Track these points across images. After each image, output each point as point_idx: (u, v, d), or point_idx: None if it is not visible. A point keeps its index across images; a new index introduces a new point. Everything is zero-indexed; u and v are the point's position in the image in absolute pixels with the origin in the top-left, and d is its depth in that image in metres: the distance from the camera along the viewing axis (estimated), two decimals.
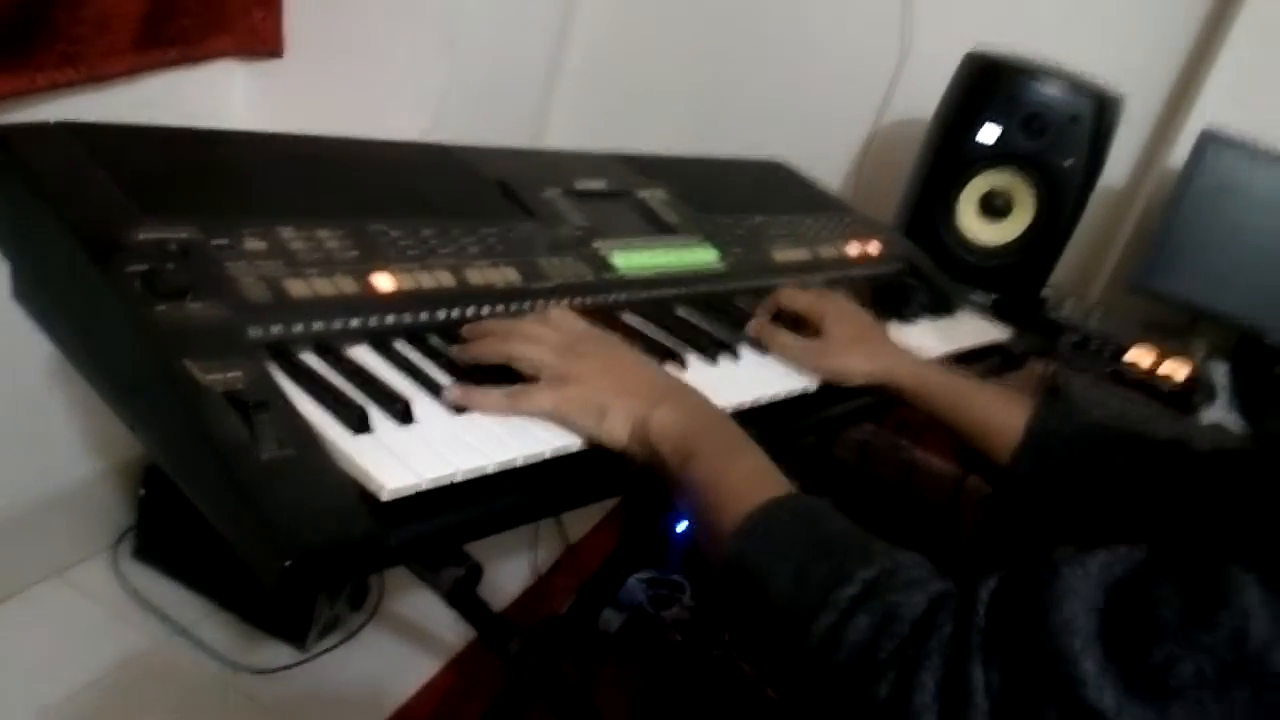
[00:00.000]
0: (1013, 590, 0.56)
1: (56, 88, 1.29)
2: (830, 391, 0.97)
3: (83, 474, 1.63)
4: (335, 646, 1.65)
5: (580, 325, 0.83)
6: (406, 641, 1.72)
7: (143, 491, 1.67)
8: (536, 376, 0.75)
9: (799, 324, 1.02)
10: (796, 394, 0.94)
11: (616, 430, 0.75)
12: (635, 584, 1.85)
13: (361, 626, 1.71)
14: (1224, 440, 1.34)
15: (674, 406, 0.76)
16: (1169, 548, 0.55)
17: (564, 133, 2.10)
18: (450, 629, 1.69)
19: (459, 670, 1.68)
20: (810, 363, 0.97)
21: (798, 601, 0.62)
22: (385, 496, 0.60)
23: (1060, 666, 0.51)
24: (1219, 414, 1.53)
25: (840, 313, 1.02)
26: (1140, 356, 1.55)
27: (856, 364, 0.98)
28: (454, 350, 0.77)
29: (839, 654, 0.59)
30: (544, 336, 0.78)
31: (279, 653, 1.61)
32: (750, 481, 0.71)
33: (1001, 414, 0.94)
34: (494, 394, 0.73)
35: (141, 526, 1.69)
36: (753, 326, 0.99)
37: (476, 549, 0.71)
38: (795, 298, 1.04)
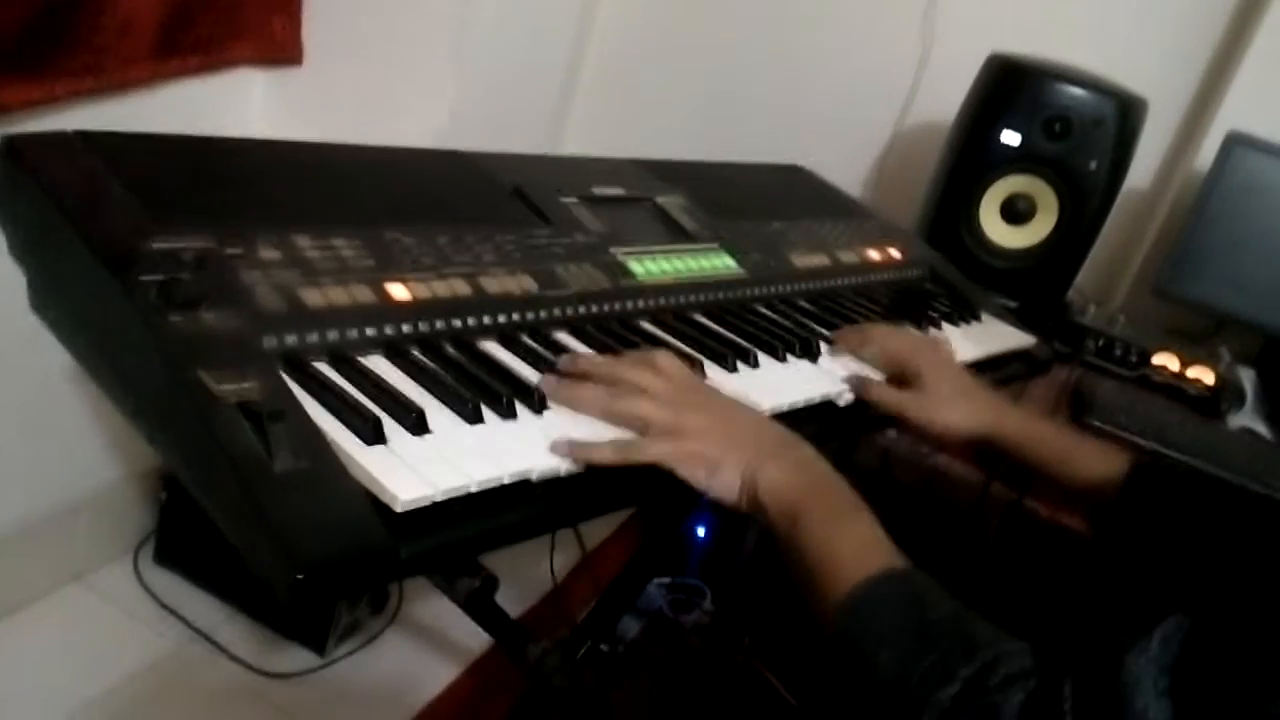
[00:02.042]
0: (1090, 685, 0.56)
1: (76, 96, 1.30)
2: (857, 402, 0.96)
3: (104, 479, 1.64)
4: (355, 651, 1.66)
5: (687, 373, 0.82)
6: (426, 646, 1.72)
7: (164, 496, 1.68)
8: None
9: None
10: (817, 402, 0.93)
11: (728, 486, 0.75)
12: (654, 589, 1.84)
13: (381, 631, 1.71)
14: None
15: (785, 463, 0.76)
16: (1220, 613, 0.56)
17: (582, 139, 2.10)
18: (470, 634, 1.69)
19: (479, 675, 1.67)
20: (912, 415, 0.95)
21: (901, 692, 0.62)
22: (399, 508, 0.59)
23: None
24: (1247, 419, 1.51)
25: (939, 364, 1.00)
26: (1166, 361, 1.53)
27: (960, 420, 0.96)
28: (549, 385, 0.76)
29: None
30: (652, 386, 0.78)
31: (299, 657, 1.61)
32: (860, 552, 0.70)
33: (1101, 466, 0.94)
34: (605, 447, 0.72)
35: (162, 531, 1.70)
36: (856, 386, 0.96)
37: (493, 557, 0.71)
38: (888, 342, 1.01)
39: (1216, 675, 0.52)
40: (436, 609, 1.75)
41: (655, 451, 0.73)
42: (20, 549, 1.52)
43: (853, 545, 0.71)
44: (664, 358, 0.82)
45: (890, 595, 0.67)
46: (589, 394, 0.77)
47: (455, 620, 1.71)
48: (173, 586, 1.67)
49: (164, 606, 1.63)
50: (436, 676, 1.66)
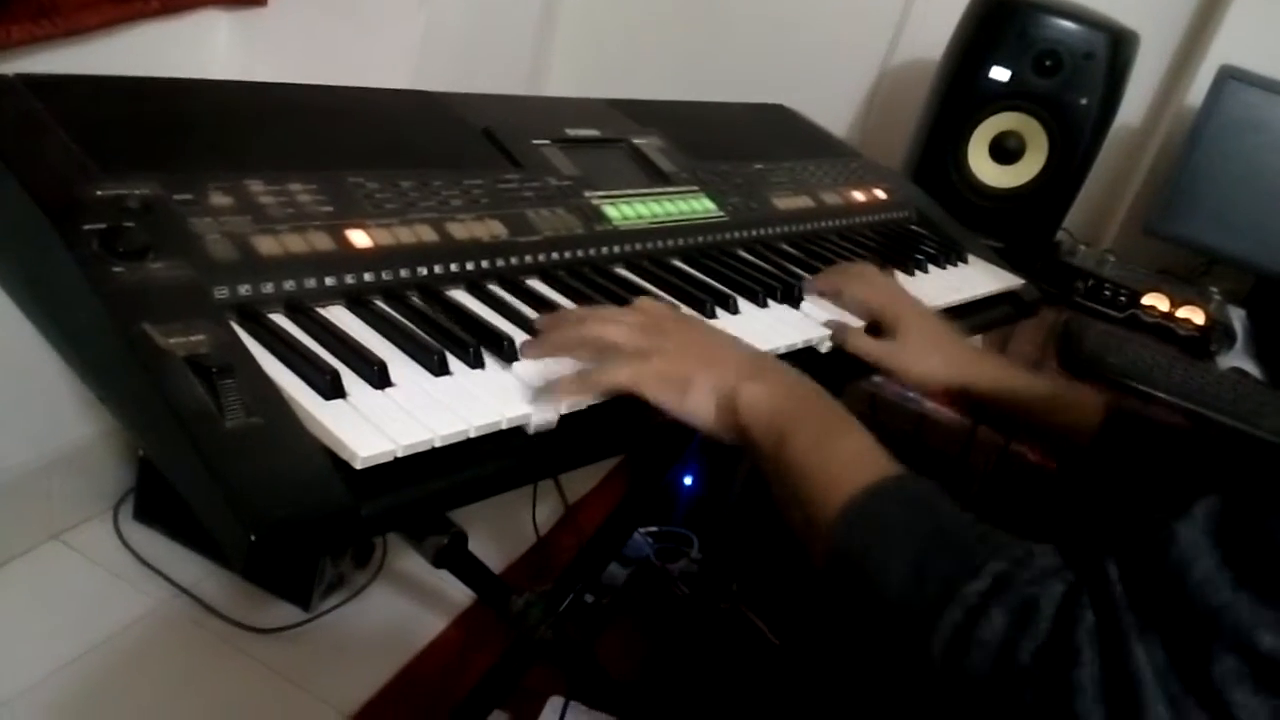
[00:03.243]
0: (1139, 562, 0.53)
1: (33, 42, 1.25)
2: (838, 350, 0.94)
3: (82, 436, 1.61)
4: (340, 605, 1.64)
5: (665, 308, 0.80)
6: (413, 599, 1.71)
7: (142, 453, 1.66)
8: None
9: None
10: (799, 347, 0.91)
11: (701, 406, 0.71)
12: (641, 538, 1.84)
13: (367, 585, 1.70)
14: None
15: (765, 381, 0.72)
16: (1254, 486, 0.53)
17: (561, 79, 2.05)
18: (457, 586, 1.67)
19: (466, 627, 1.67)
20: (889, 364, 0.94)
21: (917, 599, 0.57)
22: (359, 465, 0.57)
23: (1219, 623, 0.49)
24: (1237, 358, 1.50)
25: (917, 315, 0.98)
26: (1156, 301, 1.51)
27: (937, 369, 0.95)
28: (525, 348, 0.73)
29: (969, 658, 0.55)
30: (624, 317, 0.75)
31: (284, 612, 1.60)
32: (854, 463, 0.66)
33: (1075, 415, 0.92)
34: (568, 381, 0.69)
35: (142, 488, 1.68)
36: (837, 334, 0.94)
37: (473, 509, 0.69)
38: (865, 293, 0.98)
39: (1267, 539, 0.49)
40: (422, 562, 1.73)
41: (622, 374, 0.70)
42: None
43: (848, 457, 0.67)
44: (643, 298, 0.80)
45: (895, 501, 0.62)
46: (558, 335, 0.74)
47: (441, 573, 1.69)
48: (154, 543, 1.65)
49: (145, 563, 1.61)
50: (423, 629, 1.65)
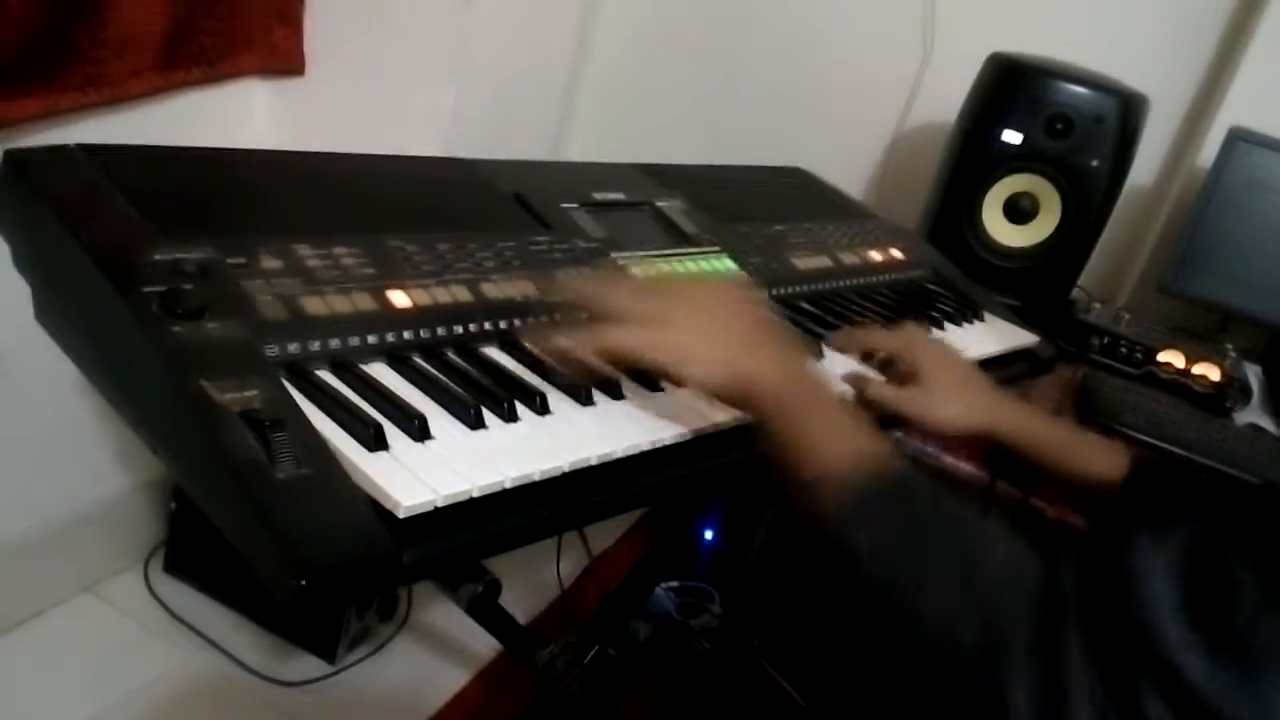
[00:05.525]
0: (1096, 567, 0.57)
1: (80, 109, 1.30)
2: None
3: (114, 489, 1.65)
4: (365, 658, 1.66)
5: (667, 281, 0.84)
6: (436, 652, 1.72)
7: (174, 506, 1.69)
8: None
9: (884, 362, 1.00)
10: None
11: (701, 372, 0.74)
12: (663, 593, 1.84)
13: (391, 638, 1.71)
14: None
15: (767, 356, 0.76)
16: (1240, 522, 0.55)
17: (584, 144, 2.10)
18: (480, 639, 1.69)
19: (489, 681, 1.68)
20: (908, 412, 0.94)
21: (891, 585, 0.62)
22: (401, 514, 0.60)
23: (1149, 638, 0.52)
24: (1253, 414, 1.51)
25: (937, 359, 0.99)
26: (1171, 358, 1.52)
27: (958, 416, 0.95)
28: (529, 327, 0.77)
29: (924, 638, 0.59)
30: (627, 283, 0.79)
31: (309, 665, 1.61)
32: (849, 447, 0.70)
33: (1101, 462, 0.93)
34: (571, 335, 0.73)
35: (172, 541, 1.71)
36: (854, 384, 0.96)
37: (500, 562, 0.71)
38: (885, 341, 1.00)
39: (1230, 569, 0.52)
40: (446, 615, 1.75)
41: (624, 335, 0.73)
42: (31, 559, 1.52)
43: (845, 440, 0.71)
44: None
45: (888, 490, 0.67)
46: (574, 289, 0.79)
47: (465, 626, 1.71)
48: (183, 596, 1.67)
49: (174, 616, 1.63)
50: (446, 682, 1.66)
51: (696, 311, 0.78)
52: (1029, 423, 0.97)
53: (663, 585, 1.84)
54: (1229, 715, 0.49)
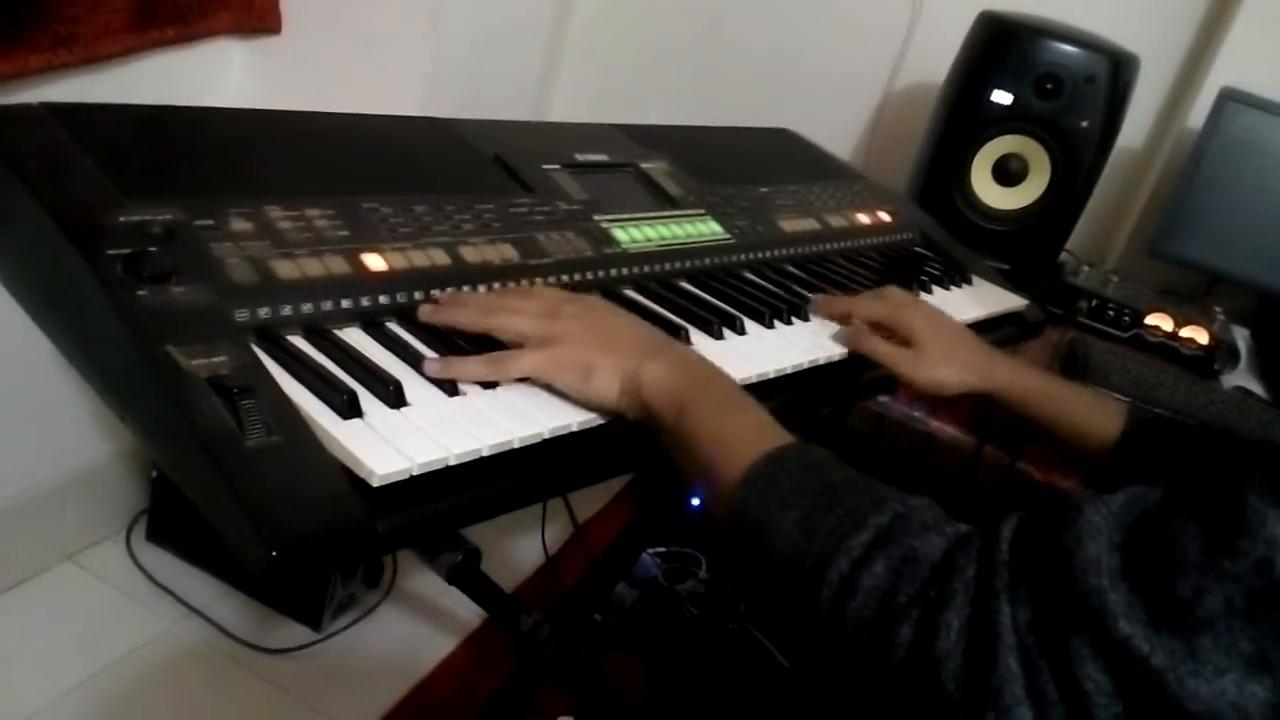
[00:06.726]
0: (1036, 529, 0.55)
1: (51, 70, 1.27)
2: (846, 364, 0.95)
3: (95, 457, 1.63)
4: (351, 625, 1.65)
5: (563, 294, 0.82)
6: (423, 619, 1.72)
7: (155, 474, 1.67)
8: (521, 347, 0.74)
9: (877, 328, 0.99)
10: (805, 368, 0.92)
11: (605, 389, 0.73)
12: (649, 558, 1.84)
13: (377, 605, 1.71)
14: None
15: (666, 362, 0.74)
16: (1187, 485, 0.54)
17: (567, 105, 2.07)
18: (466, 606, 1.69)
19: (476, 647, 1.67)
20: (905, 372, 0.95)
21: (808, 552, 0.61)
22: (376, 482, 0.58)
23: (1088, 603, 0.50)
24: (1241, 378, 1.50)
25: (929, 321, 0.99)
26: (1159, 321, 1.52)
27: (953, 374, 0.96)
28: (424, 309, 0.76)
29: (854, 601, 0.58)
30: (525, 306, 0.77)
31: (295, 633, 1.61)
32: (751, 434, 0.69)
33: (1097, 418, 0.93)
34: (474, 361, 0.72)
35: (154, 509, 1.69)
36: (849, 337, 0.96)
37: (484, 529, 0.70)
38: (874, 309, 0.99)
39: (1174, 532, 0.51)
40: (431, 582, 1.74)
41: (527, 363, 0.72)
42: (11, 528, 1.51)
43: (746, 429, 0.70)
44: (540, 286, 0.83)
45: (788, 465, 0.66)
46: (464, 313, 0.76)
47: (450, 593, 1.69)
48: (166, 564, 1.66)
49: (157, 584, 1.62)
50: (433, 649, 1.66)
51: (590, 327, 0.76)
52: (1024, 379, 0.97)
53: (649, 551, 1.84)
54: (1171, 683, 0.48)
